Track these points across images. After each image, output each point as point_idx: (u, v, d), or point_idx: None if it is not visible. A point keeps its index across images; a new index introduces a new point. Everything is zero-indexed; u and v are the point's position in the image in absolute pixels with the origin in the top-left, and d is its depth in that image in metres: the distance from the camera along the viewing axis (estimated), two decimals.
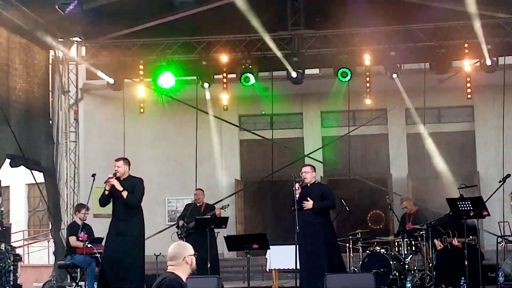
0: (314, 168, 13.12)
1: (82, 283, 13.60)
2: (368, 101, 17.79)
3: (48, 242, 20.88)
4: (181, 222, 15.42)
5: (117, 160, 12.66)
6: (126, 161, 12.67)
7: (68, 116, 17.81)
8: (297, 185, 12.64)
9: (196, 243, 14.70)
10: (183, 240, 15.31)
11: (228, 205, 16.26)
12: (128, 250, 12.48)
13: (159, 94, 18.26)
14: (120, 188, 12.39)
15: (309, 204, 12.64)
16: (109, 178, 12.39)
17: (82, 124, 18.77)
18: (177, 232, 15.53)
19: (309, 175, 12.89)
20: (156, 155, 21.56)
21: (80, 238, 13.47)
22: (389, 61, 16.99)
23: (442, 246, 13.46)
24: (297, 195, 12.61)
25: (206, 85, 17.62)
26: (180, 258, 6.37)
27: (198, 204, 15.77)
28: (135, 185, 12.61)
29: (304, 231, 12.48)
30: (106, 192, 12.45)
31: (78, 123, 18.11)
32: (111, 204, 12.58)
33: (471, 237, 12.69)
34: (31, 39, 16.12)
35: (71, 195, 17.56)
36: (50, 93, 17.21)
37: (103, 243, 14.13)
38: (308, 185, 12.78)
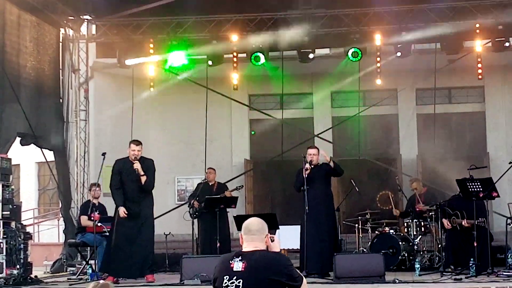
0: (318, 150, 13.26)
1: (92, 262, 13.66)
2: (378, 81, 17.72)
3: (58, 220, 20.97)
4: (196, 204, 15.41)
5: (137, 144, 12.81)
6: (141, 144, 12.89)
7: (78, 94, 17.82)
8: (307, 165, 12.77)
9: (208, 223, 14.88)
10: (195, 220, 15.37)
11: (242, 186, 16.29)
12: (141, 231, 12.73)
13: (169, 71, 18.18)
14: (142, 172, 12.60)
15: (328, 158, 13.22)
16: (135, 164, 12.60)
17: (92, 102, 18.76)
18: (189, 211, 15.55)
19: (316, 158, 13.09)
20: (165, 134, 21.56)
21: (92, 218, 13.54)
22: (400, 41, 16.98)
23: (450, 225, 13.46)
24: (306, 175, 12.75)
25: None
26: (263, 234, 5.78)
27: (210, 183, 15.83)
28: (149, 167, 12.83)
29: (312, 212, 12.60)
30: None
31: (88, 101, 18.12)
32: None
33: (480, 219, 12.69)
34: (41, 17, 16.10)
35: (81, 173, 17.59)
36: (61, 71, 17.20)
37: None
38: (313, 166, 12.97)
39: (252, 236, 5.78)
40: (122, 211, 12.56)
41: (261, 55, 17.15)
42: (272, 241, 5.84)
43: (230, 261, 5.69)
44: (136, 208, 12.71)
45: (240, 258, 5.67)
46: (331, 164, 13.15)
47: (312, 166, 12.98)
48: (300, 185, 13.03)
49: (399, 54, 17.00)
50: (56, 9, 16.47)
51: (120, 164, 12.91)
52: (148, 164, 12.86)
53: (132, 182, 12.75)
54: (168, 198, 21.09)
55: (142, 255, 12.65)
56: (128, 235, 12.66)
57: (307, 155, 13.08)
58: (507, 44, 16.60)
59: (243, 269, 5.61)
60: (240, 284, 5.58)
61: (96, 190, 14.75)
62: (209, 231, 14.80)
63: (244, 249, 5.77)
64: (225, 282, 5.63)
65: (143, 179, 12.66)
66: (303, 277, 5.79)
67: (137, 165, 12.62)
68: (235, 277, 5.60)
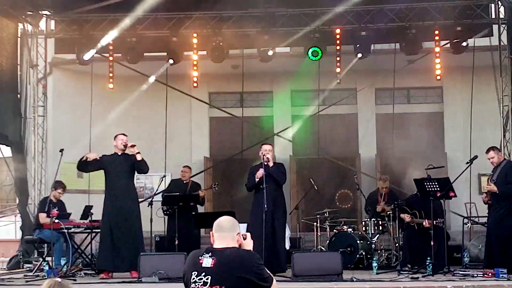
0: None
1: (49, 258, 13.56)
2: (338, 81, 17.78)
3: (15, 217, 20.76)
4: None
5: (126, 135, 13.23)
6: None
7: (36, 90, 17.65)
8: (261, 171, 12.80)
9: (182, 222, 14.77)
10: (168, 216, 15.37)
11: (218, 184, 16.28)
12: (127, 225, 12.87)
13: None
14: (137, 150, 12.93)
15: (270, 163, 13.03)
16: (133, 145, 12.97)
17: (51, 98, 18.61)
18: (162, 208, 15.51)
19: (271, 154, 13.17)
20: (125, 131, 21.32)
21: (51, 215, 13.42)
22: (359, 41, 17.06)
23: (411, 218, 13.59)
24: (257, 180, 12.81)
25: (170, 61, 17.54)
26: (234, 232, 5.72)
27: (184, 182, 15.86)
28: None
29: (270, 209, 12.65)
30: (90, 159, 12.93)
31: (46, 97, 17.95)
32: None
33: (439, 219, 12.81)
34: None
35: (39, 170, 17.44)
36: (19, 66, 17.05)
37: (70, 219, 14.19)
38: (267, 163, 13.01)
39: (223, 233, 5.71)
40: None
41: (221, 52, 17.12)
42: (245, 239, 5.79)
43: (200, 257, 5.61)
44: (121, 202, 12.85)
45: (210, 254, 5.59)
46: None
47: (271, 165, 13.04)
48: (252, 185, 13.18)
49: (359, 55, 17.08)
50: (15, 3, 16.30)
51: (106, 159, 13.11)
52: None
53: (119, 177, 12.93)
54: None
55: (129, 248, 12.74)
56: (114, 229, 12.78)
57: (262, 151, 13.12)
58: (464, 43, 16.74)
59: (212, 266, 5.53)
60: (208, 280, 5.50)
61: (59, 192, 14.64)
62: (183, 229, 14.71)
63: (215, 246, 5.70)
64: (193, 278, 5.55)
65: (139, 156, 12.91)
66: (273, 277, 5.75)
67: (131, 143, 12.95)
68: (203, 273, 5.52)
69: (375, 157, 20.72)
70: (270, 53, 17.13)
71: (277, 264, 12.50)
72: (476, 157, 13.14)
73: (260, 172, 12.82)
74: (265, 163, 12.89)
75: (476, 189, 18.66)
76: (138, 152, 12.95)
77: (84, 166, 13.09)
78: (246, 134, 20.03)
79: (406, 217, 13.70)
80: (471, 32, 16.80)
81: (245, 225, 12.91)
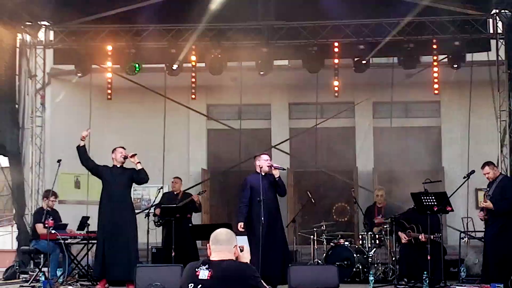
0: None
1: (45, 269, 13.53)
2: (336, 94, 17.79)
3: (12, 227, 20.75)
4: (157, 210, 15.46)
5: (124, 148, 13.21)
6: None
7: (34, 100, 17.66)
8: (276, 171, 12.74)
9: (178, 234, 14.73)
10: (164, 228, 15.37)
11: (205, 191, 16.27)
12: (123, 233, 12.78)
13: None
14: (137, 160, 13.02)
15: (276, 173, 12.81)
16: (133, 155, 13.01)
17: (49, 109, 18.61)
18: (154, 220, 15.51)
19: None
20: (123, 143, 21.38)
21: (46, 225, 13.41)
22: (357, 54, 17.09)
23: (407, 238, 13.57)
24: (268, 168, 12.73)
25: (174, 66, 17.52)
26: (231, 244, 5.73)
27: (175, 193, 15.88)
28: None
29: (267, 222, 12.53)
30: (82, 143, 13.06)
31: (44, 108, 17.96)
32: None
33: (436, 234, 12.80)
34: None
35: (36, 180, 17.43)
36: (17, 77, 17.05)
37: (67, 229, 14.18)
38: (264, 174, 12.85)
39: (220, 246, 5.73)
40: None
41: (220, 65, 17.15)
42: (241, 251, 5.80)
43: (196, 269, 5.64)
44: (118, 213, 12.80)
45: (207, 266, 5.62)
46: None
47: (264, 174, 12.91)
48: (246, 200, 12.89)
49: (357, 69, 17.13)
50: (13, 14, 16.31)
51: (105, 170, 13.07)
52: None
53: (116, 189, 12.89)
54: None
55: (123, 259, 12.67)
56: (107, 239, 12.72)
57: (262, 160, 12.93)
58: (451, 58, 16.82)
59: (208, 278, 5.56)
60: None
61: (53, 201, 14.65)
62: (176, 240, 14.65)
63: (212, 259, 5.72)
64: None
65: (139, 166, 13.00)
66: None
67: (131, 153, 12.98)
68: (200, 285, 5.54)
69: (372, 171, 20.70)
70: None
71: (280, 277, 12.45)
72: (473, 171, 13.15)
73: (275, 166, 12.78)
74: (263, 174, 12.81)
75: (473, 204, 18.64)
76: (139, 162, 12.96)
77: (83, 155, 13.06)
78: (243, 146, 20.04)
79: (403, 239, 13.68)
80: (469, 46, 16.85)
81: (245, 237, 12.87)
